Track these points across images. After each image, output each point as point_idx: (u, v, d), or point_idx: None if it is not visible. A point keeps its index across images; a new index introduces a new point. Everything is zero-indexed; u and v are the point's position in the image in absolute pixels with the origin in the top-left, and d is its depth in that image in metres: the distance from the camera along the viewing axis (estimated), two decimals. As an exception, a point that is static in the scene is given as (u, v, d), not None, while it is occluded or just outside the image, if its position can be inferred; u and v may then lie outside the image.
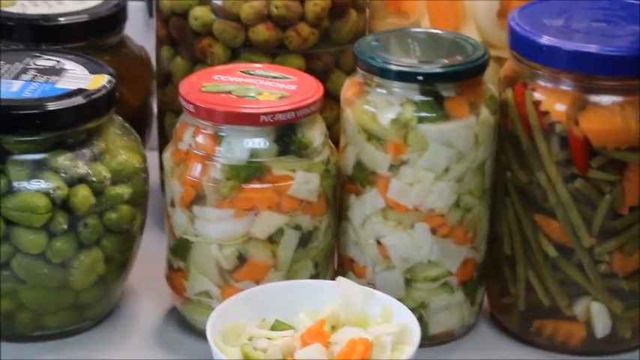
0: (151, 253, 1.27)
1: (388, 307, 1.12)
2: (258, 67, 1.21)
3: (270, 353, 1.08)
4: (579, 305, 1.17)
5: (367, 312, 1.13)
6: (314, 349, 1.06)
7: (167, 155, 1.18)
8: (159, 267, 1.23)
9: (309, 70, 1.26)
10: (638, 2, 1.26)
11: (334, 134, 1.22)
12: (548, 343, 1.19)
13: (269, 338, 1.09)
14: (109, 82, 1.18)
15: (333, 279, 1.20)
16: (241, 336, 1.10)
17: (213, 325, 1.09)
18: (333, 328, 1.11)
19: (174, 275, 1.20)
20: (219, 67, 1.21)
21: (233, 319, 1.11)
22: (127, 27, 1.40)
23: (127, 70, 1.33)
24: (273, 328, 1.11)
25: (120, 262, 1.20)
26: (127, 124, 1.22)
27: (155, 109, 1.41)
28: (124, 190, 1.17)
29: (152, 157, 1.33)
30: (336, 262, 1.23)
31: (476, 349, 1.21)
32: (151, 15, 1.53)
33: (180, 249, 1.18)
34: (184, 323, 1.21)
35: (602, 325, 1.18)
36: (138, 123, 1.35)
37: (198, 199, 1.15)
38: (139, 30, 1.50)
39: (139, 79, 1.39)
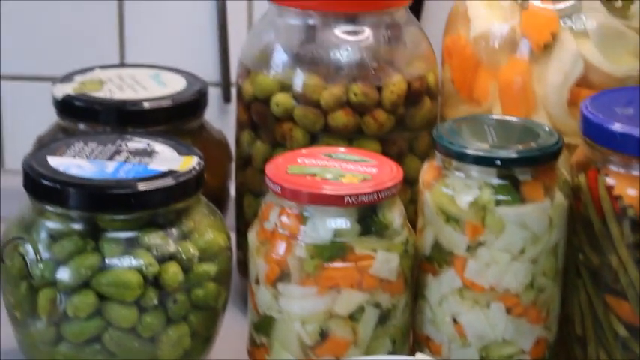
0: (231, 328, 1.30)
1: (465, 383, 1.16)
2: (341, 151, 1.25)
3: None
4: (649, 384, 1.21)
5: (445, 388, 1.17)
6: None
7: (252, 234, 1.22)
8: (240, 342, 1.27)
9: (384, 154, 1.29)
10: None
11: (408, 215, 1.25)
12: (619, 421, 1.23)
13: (352, 411, 1.13)
14: (198, 164, 1.22)
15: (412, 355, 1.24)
16: (324, 409, 1.14)
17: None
18: (414, 406, 1.15)
19: (257, 350, 1.23)
20: (303, 151, 1.25)
21: (316, 394, 1.15)
22: (206, 111, 1.44)
23: (206, 153, 1.36)
24: (355, 401, 1.15)
25: (204, 337, 1.23)
26: (211, 205, 1.26)
27: (232, 192, 1.44)
28: (210, 268, 1.21)
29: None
30: (412, 339, 1.26)
31: None
32: (227, 100, 1.57)
33: (263, 325, 1.21)
34: (266, 397, 1.25)
35: (672, 406, 1.21)
36: (216, 204, 1.39)
37: (283, 276, 1.18)
38: (216, 114, 1.54)
39: (218, 162, 1.43)
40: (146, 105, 1.38)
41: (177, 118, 1.39)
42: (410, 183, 1.29)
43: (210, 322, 1.23)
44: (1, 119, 1.62)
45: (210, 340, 1.25)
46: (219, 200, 1.42)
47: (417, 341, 1.25)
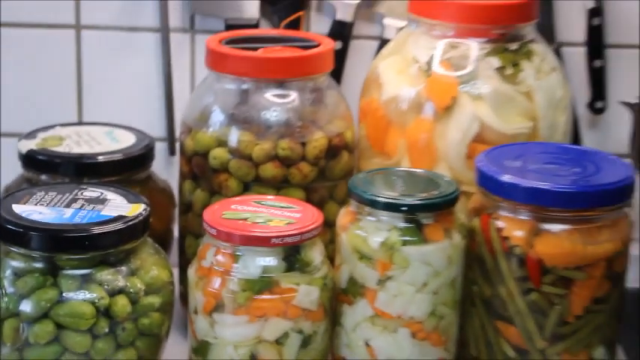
0: (173, 354, 1.33)
1: (377, 398, 1.20)
2: (269, 199, 1.29)
3: None
4: (534, 397, 1.25)
5: (359, 403, 1.20)
6: None
7: (192, 271, 1.25)
8: (179, 364, 1.31)
9: (307, 201, 1.33)
10: (578, 147, 1.36)
11: (328, 253, 1.29)
12: None
13: None
14: (145, 210, 1.25)
15: (329, 376, 1.28)
16: None
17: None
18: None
19: (196, 372, 1.27)
20: (236, 198, 1.29)
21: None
22: (153, 163, 1.47)
23: (153, 200, 1.39)
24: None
25: (150, 360, 1.27)
26: (156, 245, 1.30)
27: (176, 233, 1.47)
28: (155, 300, 1.24)
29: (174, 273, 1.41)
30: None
31: None
32: (172, 153, 1.61)
33: (201, 349, 1.24)
34: (204, 412, 1.28)
35: (553, 413, 1.26)
36: (161, 244, 1.42)
37: (218, 307, 1.21)
38: (162, 165, 1.57)
39: (163, 208, 1.46)
40: (100, 158, 1.40)
41: (127, 170, 1.42)
42: (330, 225, 1.33)
43: (155, 347, 1.26)
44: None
45: (155, 363, 1.28)
46: (164, 241, 1.45)
47: (336, 363, 1.29)
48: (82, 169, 1.40)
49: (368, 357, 1.24)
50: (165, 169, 1.56)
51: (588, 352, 1.24)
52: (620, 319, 1.27)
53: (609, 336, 1.26)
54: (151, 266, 1.25)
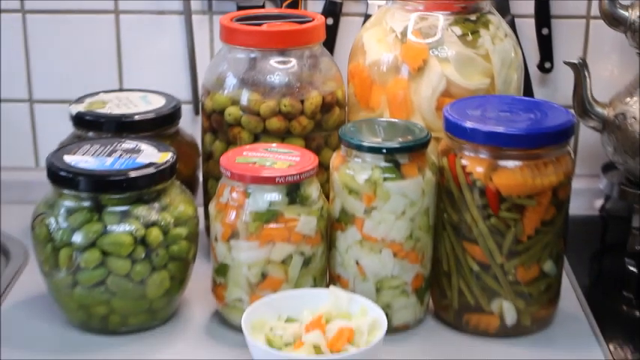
0: (199, 274, 1.32)
1: (365, 306, 1.19)
2: (274, 146, 1.28)
3: (285, 338, 1.14)
4: (495, 304, 1.23)
5: (350, 310, 1.19)
6: (315, 334, 1.12)
7: (212, 206, 1.24)
8: (205, 283, 1.29)
9: (306, 148, 1.32)
10: (529, 99, 1.35)
11: (325, 190, 1.28)
12: (474, 330, 1.25)
13: (283, 328, 1.16)
14: (172, 157, 1.25)
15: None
16: (264, 328, 1.16)
17: (245, 322, 1.15)
18: (327, 321, 1.17)
19: (217, 288, 1.25)
20: (247, 147, 1.28)
21: (258, 317, 1.17)
22: (180, 121, 1.46)
23: (180, 151, 1.39)
24: (286, 321, 1.18)
25: (180, 280, 1.26)
26: (184, 186, 1.29)
27: (200, 177, 1.47)
28: (182, 231, 1.23)
29: (199, 210, 1.40)
30: (328, 277, 1.29)
31: (425, 336, 1.26)
32: (196, 113, 1.59)
33: (221, 270, 1.24)
34: (224, 321, 1.27)
35: (510, 317, 1.24)
36: (188, 187, 1.41)
37: (234, 235, 1.21)
38: (189, 123, 1.56)
39: (189, 157, 1.45)
40: (136, 117, 1.39)
41: (158, 126, 1.41)
42: (326, 168, 1.32)
43: (184, 269, 1.26)
44: (36, 132, 1.64)
45: (184, 281, 1.27)
46: (191, 184, 1.44)
47: (332, 278, 1.28)
48: (121, 127, 1.38)
49: (358, 273, 1.24)
50: (191, 126, 1.55)
51: (539, 265, 1.23)
52: (565, 239, 1.26)
53: (556, 252, 1.24)
54: (179, 203, 1.25)
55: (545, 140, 1.20)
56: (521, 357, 1.22)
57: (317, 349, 1.12)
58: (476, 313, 1.24)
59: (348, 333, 1.13)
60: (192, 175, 1.47)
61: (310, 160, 1.23)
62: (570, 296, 1.35)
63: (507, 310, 1.23)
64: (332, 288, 1.21)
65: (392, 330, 1.22)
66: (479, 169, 1.20)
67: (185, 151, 1.43)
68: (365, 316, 1.18)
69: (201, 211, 1.38)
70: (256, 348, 1.11)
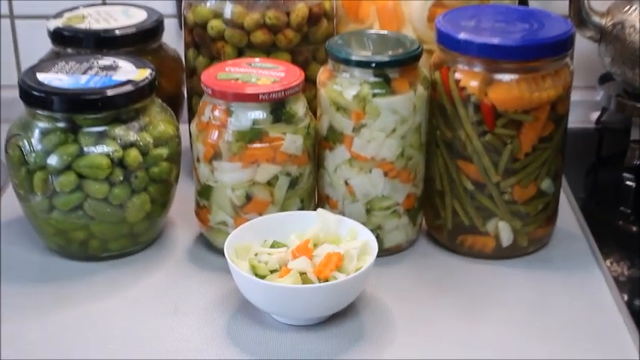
0: (184, 195, 1.19)
1: (354, 229, 1.06)
2: (257, 61, 1.13)
3: (270, 264, 1.02)
4: (490, 224, 1.11)
5: (339, 233, 1.06)
6: (301, 260, 1.00)
7: (194, 125, 1.11)
8: (190, 205, 1.16)
9: (293, 63, 1.19)
10: (525, 8, 1.20)
11: (312, 107, 1.15)
12: (469, 251, 1.13)
13: (269, 254, 1.03)
14: (151, 74, 1.11)
15: (315, 210, 1.15)
16: (249, 252, 1.04)
17: (228, 246, 1.02)
18: (315, 245, 1.05)
19: (201, 211, 1.13)
20: (229, 62, 1.13)
21: (243, 241, 1.05)
22: (164, 36, 1.31)
23: (164, 66, 1.26)
24: (272, 246, 1.05)
25: (162, 203, 1.13)
26: (164, 104, 1.15)
27: (185, 94, 1.33)
28: (163, 151, 1.10)
29: (184, 128, 1.27)
30: (316, 198, 1.16)
31: (418, 258, 1.14)
32: (181, 27, 1.45)
33: (204, 192, 1.11)
34: (209, 245, 1.14)
35: (506, 238, 1.11)
36: (173, 104, 1.27)
37: (216, 155, 1.08)
38: (173, 37, 1.42)
39: (173, 73, 1.30)
40: (117, 32, 1.24)
41: (140, 41, 1.26)
42: (313, 83, 1.18)
43: (166, 191, 1.13)
44: (18, 48, 1.50)
45: (166, 204, 1.14)
46: (175, 101, 1.30)
47: (320, 199, 1.15)
48: (101, 42, 1.24)
49: (347, 194, 1.11)
50: (177, 41, 1.40)
51: (537, 184, 1.10)
52: (563, 156, 1.13)
53: (555, 170, 1.11)
54: (159, 123, 1.11)
55: (542, 52, 1.06)
56: (518, 278, 1.10)
57: (303, 277, 0.99)
58: (471, 234, 1.12)
59: (337, 259, 1.00)
60: (177, 91, 1.32)
61: (296, 75, 1.09)
62: (567, 213, 1.22)
63: (503, 230, 1.11)
64: (320, 210, 1.08)
65: (383, 251, 1.10)
66: (473, 83, 1.06)
67: (169, 66, 1.29)
68: (354, 239, 1.05)
69: (187, 129, 1.25)
70: (240, 276, 0.99)
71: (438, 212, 1.14)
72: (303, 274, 0.99)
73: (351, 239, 1.05)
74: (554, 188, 1.12)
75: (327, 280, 0.99)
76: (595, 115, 1.44)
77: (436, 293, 1.08)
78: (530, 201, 1.10)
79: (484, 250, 1.12)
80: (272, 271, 1.01)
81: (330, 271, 0.99)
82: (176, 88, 1.31)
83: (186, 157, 1.21)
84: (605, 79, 1.39)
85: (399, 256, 1.14)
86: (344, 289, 0.98)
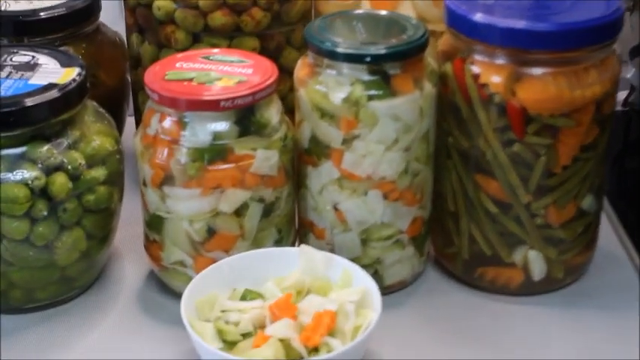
0: (133, 215, 0.93)
1: (348, 272, 0.81)
2: (217, 52, 0.87)
3: (242, 326, 0.76)
4: (517, 254, 0.86)
5: (329, 276, 0.82)
6: (283, 324, 0.75)
7: (137, 140, 0.85)
8: (140, 228, 0.90)
9: (263, 50, 0.94)
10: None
11: (288, 104, 0.90)
12: (490, 286, 0.88)
13: (240, 310, 0.78)
14: (79, 74, 0.84)
15: (295, 241, 0.90)
16: (214, 309, 0.79)
17: (187, 305, 0.77)
18: (299, 294, 0.80)
19: (151, 246, 0.87)
20: (179, 55, 0.87)
21: (206, 292, 0.80)
22: (103, 16, 1.05)
23: (102, 55, 1.00)
24: (243, 297, 0.80)
25: (101, 237, 0.87)
26: (100, 110, 0.89)
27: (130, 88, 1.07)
28: (99, 173, 0.84)
29: (130, 129, 1.02)
30: (297, 224, 0.91)
31: (426, 294, 0.89)
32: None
33: (154, 224, 0.85)
34: (164, 287, 0.89)
35: (538, 270, 0.87)
36: (115, 101, 1.02)
37: (168, 179, 0.82)
38: (115, 16, 1.15)
39: (114, 61, 1.03)
40: (42, 15, 0.97)
41: (71, 25, 0.99)
42: (289, 73, 0.93)
43: (105, 222, 0.87)
44: None
45: (107, 238, 0.88)
46: (119, 96, 1.05)
47: (302, 226, 0.89)
48: (21, 28, 0.97)
49: (337, 221, 0.86)
50: (120, 19, 1.13)
51: (576, 202, 0.85)
52: (606, 163, 0.89)
53: (597, 183, 0.87)
54: (93, 136, 0.85)
55: (585, 38, 0.80)
56: (554, 319, 0.86)
57: (286, 345, 0.75)
58: (492, 266, 0.87)
59: (328, 319, 0.75)
60: (121, 85, 1.05)
61: (268, 71, 0.84)
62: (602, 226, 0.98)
63: (534, 261, 0.86)
64: (303, 248, 0.83)
65: (384, 289, 0.85)
66: (496, 79, 0.81)
67: (108, 54, 1.02)
68: (349, 285, 0.80)
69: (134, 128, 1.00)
70: (204, 350, 0.74)
71: (451, 238, 0.89)
72: (285, 342, 0.74)
73: (345, 285, 0.81)
74: (596, 206, 0.88)
75: (316, 350, 0.75)
76: (622, 95, 1.20)
77: (451, 340, 0.84)
78: (568, 224, 0.86)
79: (509, 285, 0.88)
80: (244, 335, 0.77)
81: (321, 336, 0.74)
82: (119, 81, 1.05)
83: (132, 162, 0.94)
84: (636, 52, 1.14)
85: (403, 295, 0.89)
86: (340, 361, 0.74)
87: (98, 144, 0.85)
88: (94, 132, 0.85)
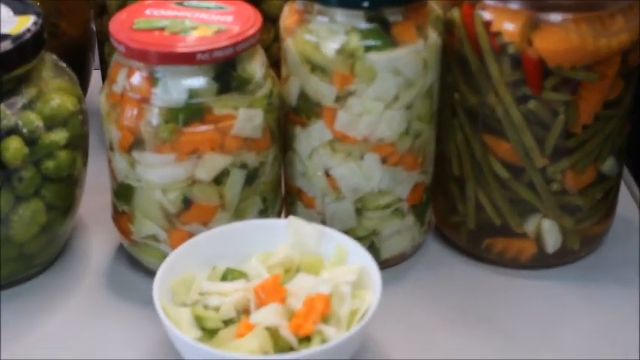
0: (100, 182, 0.82)
1: (343, 247, 0.71)
2: (192, -2, 0.77)
3: (223, 311, 0.66)
4: (530, 223, 0.76)
5: (321, 252, 0.71)
6: (270, 309, 0.65)
7: (102, 98, 0.73)
8: (108, 198, 0.79)
9: (244, -5, 0.83)
10: None
11: (271, 56, 0.78)
12: (498, 259, 0.78)
13: (220, 293, 0.68)
14: (35, 23, 0.72)
15: (281, 210, 0.79)
16: (191, 291, 0.68)
17: (160, 287, 0.66)
18: (287, 272, 0.69)
19: (120, 218, 0.76)
20: (149, 1, 0.76)
21: (182, 271, 0.69)
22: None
23: (63, 2, 0.89)
24: (224, 277, 0.70)
25: (63, 208, 0.76)
26: (61, 64, 0.77)
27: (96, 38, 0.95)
28: (59, 136, 0.73)
29: (96, 83, 0.91)
30: (283, 192, 0.80)
31: (427, 268, 0.79)
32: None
33: (123, 193, 0.74)
34: (135, 263, 0.78)
35: (552, 241, 0.77)
36: (80, 52, 0.91)
37: (137, 144, 0.71)
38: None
39: (76, 9, 0.92)
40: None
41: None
42: (272, 21, 0.82)
43: (68, 192, 0.76)
44: None
45: (70, 209, 0.77)
46: (83, 48, 0.93)
47: (290, 193, 0.79)
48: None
49: (329, 188, 0.75)
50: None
51: (596, 166, 0.75)
52: (631, 122, 0.79)
53: (619, 144, 0.76)
54: (52, 94, 0.73)
55: (611, -22, 0.70)
56: (570, 295, 0.76)
57: (274, 333, 0.64)
58: (502, 236, 0.77)
59: (322, 304, 0.64)
60: (84, 35, 0.93)
61: (250, 19, 0.72)
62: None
63: (549, 231, 0.76)
64: (292, 218, 0.72)
65: (381, 264, 0.75)
66: (510, 27, 0.70)
67: (71, 1, 0.91)
68: (343, 262, 0.70)
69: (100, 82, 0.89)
70: (181, 341, 0.64)
71: (455, 205, 0.79)
72: (273, 331, 0.64)
73: (339, 262, 0.70)
74: (617, 169, 0.78)
75: (309, 339, 0.64)
76: None
77: (455, 318, 0.74)
78: (586, 190, 0.76)
79: (520, 258, 0.78)
80: (226, 322, 0.66)
81: (314, 324, 0.64)
82: (82, 30, 0.93)
83: (98, 122, 0.83)
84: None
85: (402, 269, 0.79)
86: (337, 353, 0.64)
87: (58, 103, 0.73)
88: (53, 89, 0.74)
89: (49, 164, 0.73)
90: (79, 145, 0.76)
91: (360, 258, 0.69)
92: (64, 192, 0.75)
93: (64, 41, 0.86)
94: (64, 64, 0.77)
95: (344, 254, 0.70)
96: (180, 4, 0.74)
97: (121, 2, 0.83)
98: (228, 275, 0.70)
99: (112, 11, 0.83)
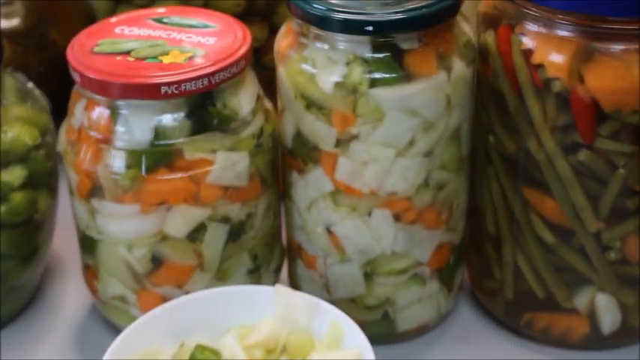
0: (71, 232, 0.67)
1: (339, 326, 0.56)
2: (173, 13, 0.62)
3: (183, 407, 0.54)
4: (581, 297, 0.61)
5: (312, 329, 0.57)
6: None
7: (62, 132, 0.61)
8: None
9: (251, 6, 0.69)
10: None
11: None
12: (542, 336, 0.63)
13: (185, 380, 0.55)
14: (-13, 37, 0.61)
15: (281, 268, 0.65)
16: (152, 373, 0.56)
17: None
18: (270, 353, 0.56)
19: (87, 272, 0.63)
20: (124, 16, 0.62)
21: (145, 345, 0.56)
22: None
23: (54, 11, 0.77)
24: (193, 356, 0.57)
25: (22, 257, 0.63)
26: (27, 86, 0.65)
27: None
28: (14, 176, 0.61)
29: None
30: (284, 245, 0.66)
31: (456, 342, 0.64)
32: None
33: (86, 246, 0.62)
34: (106, 322, 0.66)
35: (610, 319, 0.61)
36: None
37: (96, 190, 0.58)
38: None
39: (68, 18, 0.79)
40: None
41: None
42: (273, 31, 0.69)
43: (26, 239, 0.63)
44: None
45: (32, 258, 0.64)
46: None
47: (291, 249, 0.65)
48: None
49: (332, 248, 0.61)
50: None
51: (665, 232, 0.60)
52: None
53: (695, 204, 0.61)
54: (11, 122, 0.61)
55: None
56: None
57: None
58: (546, 311, 0.62)
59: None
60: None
61: (236, 41, 0.58)
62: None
63: (605, 307, 0.61)
64: (279, 287, 0.58)
65: (397, 338, 0.61)
66: (557, 58, 0.55)
67: (61, 9, 0.78)
68: (338, 344, 0.55)
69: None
70: None
71: (490, 269, 0.64)
72: None
73: (332, 344, 0.56)
74: (694, 234, 0.62)
75: None
76: None
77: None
78: (653, 259, 0.60)
79: (569, 337, 0.62)
80: (186, 419, 0.53)
81: None
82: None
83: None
84: None
85: (424, 342, 0.64)
86: None
87: (14, 135, 0.61)
88: (11, 118, 0.62)
89: (2, 208, 0.61)
90: (41, 183, 0.63)
91: (357, 341, 0.55)
92: (21, 239, 0.63)
93: (54, 53, 0.74)
94: (32, 86, 0.65)
95: (339, 334, 0.56)
96: (159, 20, 0.61)
97: (109, 12, 0.70)
98: (197, 354, 0.56)
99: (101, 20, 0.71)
